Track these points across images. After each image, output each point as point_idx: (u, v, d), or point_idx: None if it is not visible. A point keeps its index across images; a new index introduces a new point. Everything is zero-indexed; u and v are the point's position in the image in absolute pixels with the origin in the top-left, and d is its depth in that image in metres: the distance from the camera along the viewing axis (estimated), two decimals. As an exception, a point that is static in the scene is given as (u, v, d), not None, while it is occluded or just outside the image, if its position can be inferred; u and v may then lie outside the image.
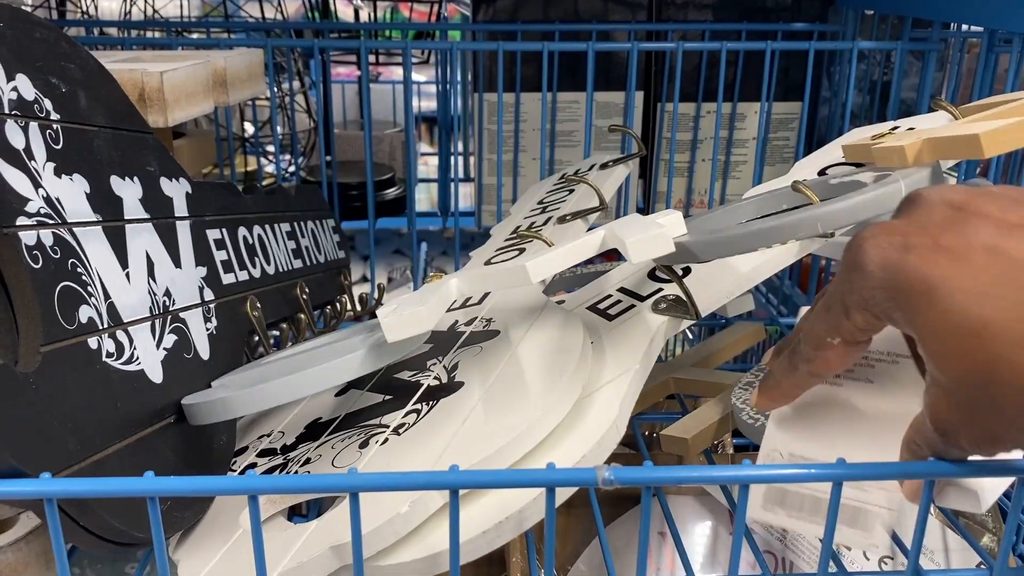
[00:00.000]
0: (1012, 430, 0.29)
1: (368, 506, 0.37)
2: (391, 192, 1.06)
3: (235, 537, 0.41)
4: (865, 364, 0.42)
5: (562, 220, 0.63)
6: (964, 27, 0.83)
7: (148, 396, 0.41)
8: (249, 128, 1.14)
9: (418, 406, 0.46)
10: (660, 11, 0.93)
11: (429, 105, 1.99)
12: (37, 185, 0.38)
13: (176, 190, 0.49)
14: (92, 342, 0.38)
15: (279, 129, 1.16)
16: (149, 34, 0.95)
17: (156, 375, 0.43)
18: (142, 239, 0.45)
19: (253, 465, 0.48)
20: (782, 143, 0.94)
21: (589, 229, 0.50)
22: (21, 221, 0.36)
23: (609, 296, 0.53)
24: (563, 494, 0.38)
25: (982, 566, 0.62)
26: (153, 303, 0.44)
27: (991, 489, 0.41)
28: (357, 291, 0.75)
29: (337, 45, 0.91)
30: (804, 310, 0.41)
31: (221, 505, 0.45)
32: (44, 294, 0.36)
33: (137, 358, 0.41)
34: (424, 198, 1.65)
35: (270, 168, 1.11)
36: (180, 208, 0.49)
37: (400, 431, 0.44)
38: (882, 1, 0.85)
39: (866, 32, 0.92)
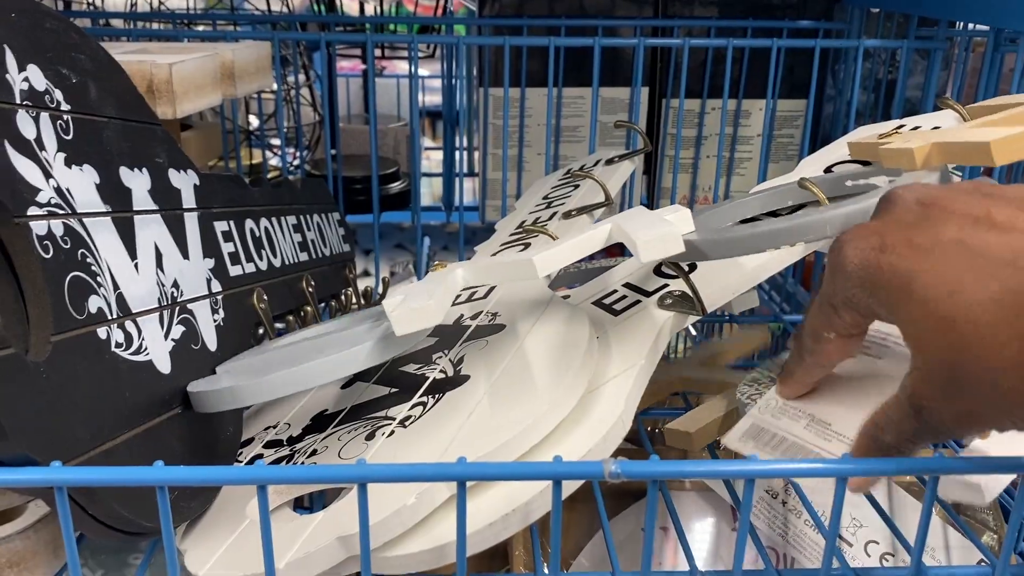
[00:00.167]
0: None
1: (375, 497, 0.37)
2: (395, 186, 1.06)
3: (241, 528, 0.42)
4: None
5: (567, 216, 0.63)
6: (970, 26, 0.83)
7: (156, 386, 0.42)
8: (254, 121, 1.14)
9: (424, 399, 0.46)
10: (666, 7, 0.93)
11: (432, 100, 1.99)
12: (48, 175, 0.38)
13: (184, 182, 0.49)
14: (101, 332, 0.39)
15: (283, 122, 1.16)
16: (155, 26, 0.95)
17: (164, 366, 0.43)
18: (151, 230, 0.45)
19: (259, 456, 0.48)
20: (786, 140, 0.95)
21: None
22: (32, 211, 0.36)
23: (614, 291, 0.54)
24: (570, 487, 0.38)
25: (983, 563, 0.63)
26: (161, 294, 0.44)
27: (994, 482, 0.41)
28: (359, 285, 0.75)
29: (344, 39, 0.91)
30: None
31: (227, 496, 0.45)
32: (54, 284, 0.37)
33: (145, 349, 0.41)
34: (426, 192, 1.66)
35: (274, 161, 1.11)
36: (188, 200, 0.49)
37: (406, 423, 0.44)
38: (888, -1, 0.85)
39: (871, 30, 0.92)
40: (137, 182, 0.45)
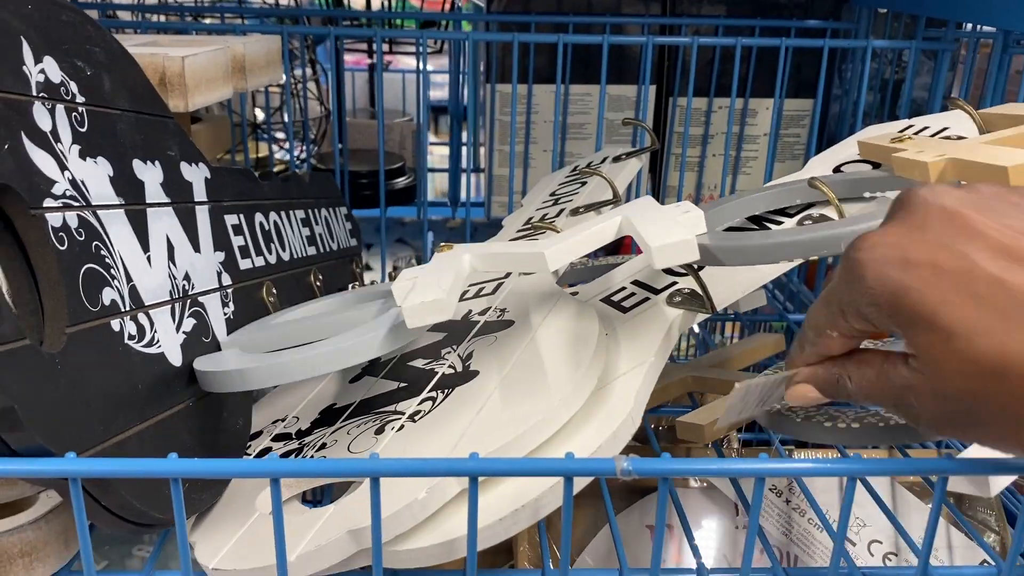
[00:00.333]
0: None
1: (386, 492, 0.37)
2: (400, 181, 1.06)
3: (251, 520, 0.42)
4: None
5: (575, 212, 0.63)
6: (977, 27, 0.83)
7: (168, 379, 0.42)
8: (260, 115, 1.14)
9: (433, 394, 0.46)
10: (674, 5, 0.93)
11: (436, 95, 1.99)
12: (63, 167, 0.38)
13: (196, 175, 0.49)
14: (115, 324, 0.39)
15: (292, 116, 1.16)
16: (163, 18, 0.95)
17: (176, 358, 0.43)
18: (163, 223, 0.45)
19: (268, 450, 0.48)
20: (793, 140, 0.95)
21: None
22: (48, 203, 0.37)
23: (623, 288, 0.54)
24: (580, 484, 0.38)
25: (986, 563, 0.63)
26: (173, 287, 0.44)
27: (1001, 476, 0.42)
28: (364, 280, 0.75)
29: (352, 33, 0.91)
30: None
31: (236, 488, 0.45)
32: (69, 276, 0.37)
33: (157, 341, 0.42)
34: (430, 187, 1.66)
35: (279, 155, 1.12)
36: (199, 193, 0.49)
37: (416, 418, 0.44)
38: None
39: (878, 30, 0.92)
40: (150, 175, 0.45)
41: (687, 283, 0.51)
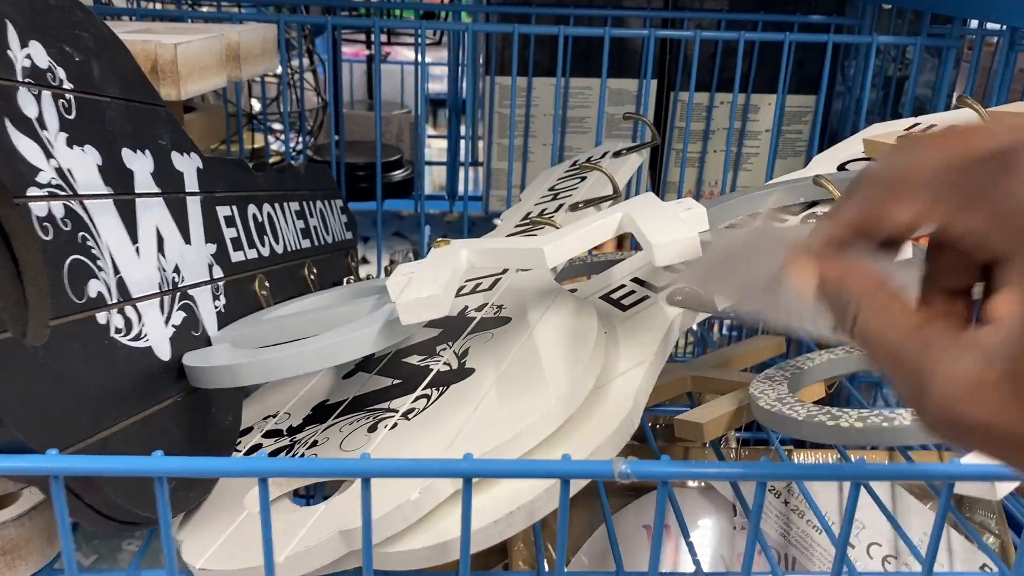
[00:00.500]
0: None
1: (377, 492, 0.37)
2: (397, 174, 1.05)
3: (240, 519, 0.41)
4: None
5: (574, 208, 0.62)
6: (983, 24, 0.82)
7: (155, 373, 0.41)
8: (256, 105, 1.12)
9: (428, 391, 0.45)
10: (676, -1, 0.92)
11: (435, 87, 1.98)
12: (49, 155, 0.37)
13: (187, 165, 0.48)
14: (101, 317, 0.38)
15: (288, 106, 1.15)
16: (158, 6, 0.94)
17: (164, 352, 0.42)
18: (153, 214, 0.44)
19: (259, 446, 0.47)
20: (795, 136, 0.94)
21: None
22: (32, 192, 0.36)
23: (622, 286, 0.53)
24: (577, 486, 0.37)
25: (986, 568, 0.62)
26: (162, 279, 0.43)
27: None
28: (360, 273, 0.74)
29: (349, 23, 0.90)
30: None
31: (225, 486, 0.44)
32: (54, 266, 0.36)
33: (145, 335, 0.41)
34: (427, 181, 1.64)
35: (275, 146, 1.10)
36: (191, 183, 0.48)
37: (410, 416, 0.43)
38: (902, -5, 0.84)
39: (882, 26, 0.91)
40: (140, 164, 0.44)
41: (688, 281, 0.50)
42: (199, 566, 0.39)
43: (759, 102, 0.92)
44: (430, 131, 1.88)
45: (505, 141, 0.91)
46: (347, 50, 1.65)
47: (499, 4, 0.91)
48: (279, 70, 0.71)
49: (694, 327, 0.96)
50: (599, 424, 0.40)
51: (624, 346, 0.46)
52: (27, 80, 0.37)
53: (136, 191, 0.43)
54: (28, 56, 0.37)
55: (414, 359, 0.50)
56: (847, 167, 0.56)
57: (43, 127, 0.37)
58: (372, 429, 0.44)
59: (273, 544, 0.35)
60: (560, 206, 0.64)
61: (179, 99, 0.49)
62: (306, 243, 0.63)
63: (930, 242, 0.25)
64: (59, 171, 0.37)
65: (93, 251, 0.38)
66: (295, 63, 0.99)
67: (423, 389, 0.45)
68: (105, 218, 0.40)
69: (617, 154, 0.69)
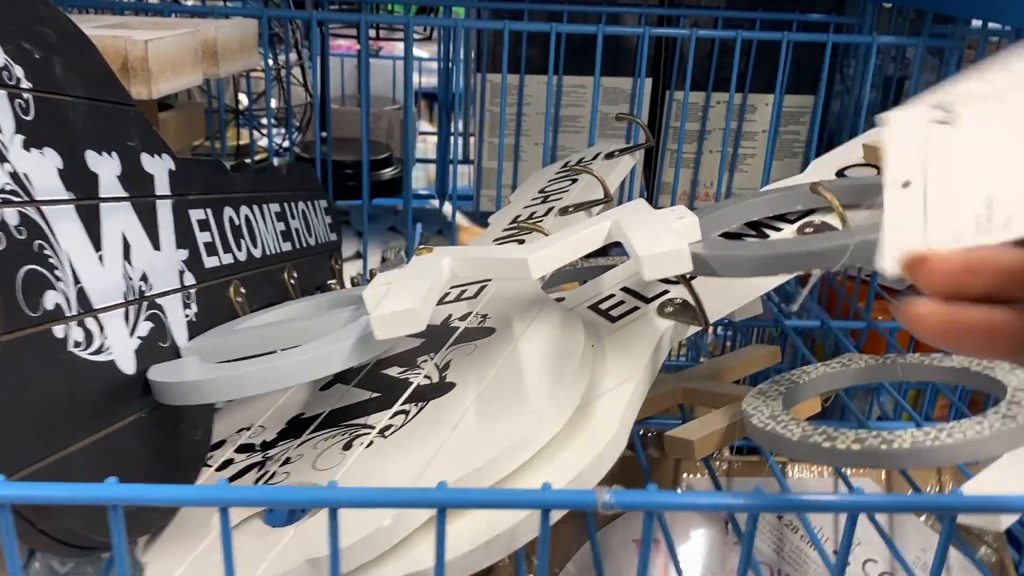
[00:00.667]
0: None
1: (349, 517, 0.35)
2: (387, 172, 1.03)
3: (207, 541, 0.39)
4: None
5: (564, 211, 0.60)
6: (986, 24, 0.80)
7: (118, 388, 0.39)
8: (244, 100, 1.10)
9: (406, 407, 0.43)
10: (672, -5, 0.90)
11: (431, 81, 1.96)
12: (3, 159, 0.35)
13: (158, 167, 0.46)
14: (58, 331, 0.36)
15: (275, 103, 1.12)
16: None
17: (128, 366, 0.40)
18: (119, 219, 0.42)
19: (231, 461, 0.45)
20: (792, 137, 0.92)
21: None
22: (-17, 198, 0.34)
23: (612, 296, 0.51)
24: (558, 515, 0.35)
25: (985, 587, 0.61)
26: (128, 288, 0.41)
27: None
28: (350, 268, 0.72)
29: (336, 18, 0.87)
30: None
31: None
32: (6, 278, 0.34)
33: (107, 348, 0.39)
34: (422, 176, 1.62)
35: (263, 142, 1.08)
36: (162, 186, 0.46)
37: (386, 433, 0.41)
38: (903, -6, 0.82)
39: (882, 25, 0.89)
40: (105, 167, 0.42)
41: (679, 292, 0.48)
42: (162, 592, 0.37)
43: (756, 102, 0.90)
44: (425, 126, 1.86)
45: (496, 140, 0.89)
46: (341, 43, 1.63)
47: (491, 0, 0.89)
48: (260, 66, 0.69)
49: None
50: (583, 446, 0.38)
51: (612, 361, 0.44)
52: (-21, 79, 0.35)
53: (101, 195, 0.41)
54: (-19, 54, 0.35)
55: (394, 371, 0.48)
56: (845, 173, 0.54)
57: (-3, 129, 0.35)
58: (347, 447, 0.42)
59: (240, 571, 0.33)
60: (550, 209, 0.62)
61: (150, 98, 0.47)
62: (287, 246, 0.61)
63: None
64: (14, 176, 0.35)
65: (51, 260, 0.36)
66: (284, 58, 0.97)
67: (402, 404, 0.43)
68: (65, 225, 0.38)
69: (609, 155, 0.67)
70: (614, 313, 0.49)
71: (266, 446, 0.45)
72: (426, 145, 1.65)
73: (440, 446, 0.38)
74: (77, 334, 0.37)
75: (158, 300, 0.43)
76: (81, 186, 0.39)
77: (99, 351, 0.38)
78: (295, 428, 0.46)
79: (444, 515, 0.31)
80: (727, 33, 0.77)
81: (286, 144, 0.99)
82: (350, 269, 1.00)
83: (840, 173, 0.54)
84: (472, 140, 1.04)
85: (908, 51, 0.87)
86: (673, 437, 0.49)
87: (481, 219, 1.04)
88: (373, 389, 0.46)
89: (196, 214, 0.49)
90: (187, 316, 0.46)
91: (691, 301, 0.46)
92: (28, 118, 0.37)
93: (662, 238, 0.37)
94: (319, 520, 0.37)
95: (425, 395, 0.43)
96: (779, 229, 0.49)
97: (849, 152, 0.57)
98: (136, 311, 0.41)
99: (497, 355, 0.44)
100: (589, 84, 0.88)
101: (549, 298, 0.49)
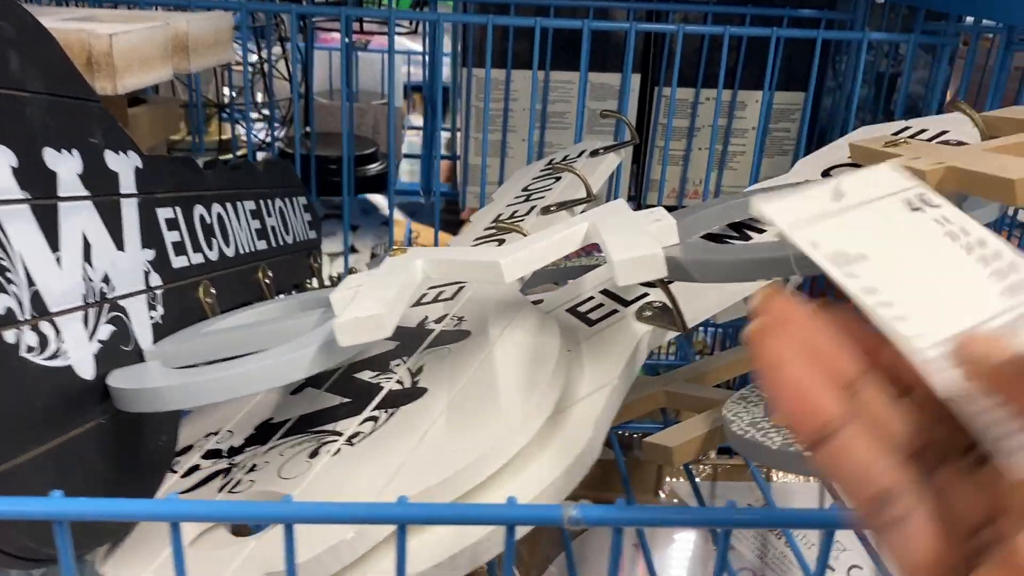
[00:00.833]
0: None
1: (310, 529, 0.34)
2: (373, 168, 1.02)
3: (167, 553, 0.38)
4: None
5: (546, 211, 0.59)
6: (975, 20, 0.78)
7: (75, 394, 0.38)
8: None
9: (376, 413, 0.42)
10: (661, -10, 0.89)
11: (421, 74, 1.93)
12: (-49, 158, 0.34)
13: (123, 164, 0.45)
14: (9, 335, 0.34)
15: (260, 97, 1.11)
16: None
17: (87, 371, 0.39)
18: (79, 219, 0.40)
19: (196, 467, 0.44)
20: (782, 134, 0.90)
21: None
22: (-72, 199, 0.32)
23: (591, 298, 0.50)
24: (524, 530, 0.34)
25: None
26: (88, 290, 0.40)
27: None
28: (338, 262, 0.70)
29: (317, 11, 0.86)
30: None
31: (157, 512, 0.41)
32: (-48, 282, 0.32)
33: (64, 352, 0.37)
34: (412, 171, 1.61)
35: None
36: (127, 185, 0.45)
37: (354, 441, 0.40)
38: (895, -10, 0.81)
39: (874, 21, 0.88)
40: (65, 165, 0.40)
41: (659, 296, 0.47)
42: (118, 606, 0.36)
43: (746, 99, 0.89)
44: (416, 120, 1.84)
45: (481, 136, 0.88)
46: (329, 36, 1.61)
47: (478, -8, 0.88)
48: (234, 60, 0.67)
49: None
50: (554, 456, 0.37)
51: (588, 366, 0.43)
52: (-74, 75, 0.33)
53: (59, 194, 0.40)
54: (-71, 48, 0.34)
55: (367, 375, 0.46)
56: (832, 172, 0.52)
57: (-55, 126, 0.34)
58: (314, 454, 0.41)
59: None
60: (532, 208, 0.61)
61: (115, 93, 0.46)
62: (262, 245, 0.60)
63: None
64: (-37, 175, 0.34)
65: (2, 263, 0.35)
66: (276, 51, 0.95)
67: (371, 410, 0.42)
68: (19, 225, 0.36)
69: (594, 153, 0.66)
70: (592, 316, 0.48)
71: (233, 452, 0.44)
72: (418, 139, 1.63)
73: (408, 455, 0.37)
74: (30, 338, 0.36)
75: (121, 302, 0.42)
76: (38, 184, 0.38)
77: (54, 356, 0.37)
78: (263, 434, 0.45)
79: (404, 531, 0.30)
80: (715, 29, 0.76)
81: (269, 139, 0.97)
82: (340, 265, 0.99)
83: (826, 172, 0.53)
84: (459, 136, 1.02)
85: (901, 47, 0.86)
86: (652, 443, 0.48)
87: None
88: (344, 394, 0.45)
89: (164, 213, 0.48)
90: (152, 318, 0.44)
91: (669, 305, 0.44)
92: (-20, 115, 0.36)
93: (637, 242, 0.36)
94: (279, 532, 0.36)
95: (396, 401, 0.42)
96: (762, 231, 0.47)
97: (836, 151, 0.55)
98: (96, 314, 0.40)
99: (471, 360, 0.43)
100: (576, 80, 0.87)
101: (527, 301, 0.48)
